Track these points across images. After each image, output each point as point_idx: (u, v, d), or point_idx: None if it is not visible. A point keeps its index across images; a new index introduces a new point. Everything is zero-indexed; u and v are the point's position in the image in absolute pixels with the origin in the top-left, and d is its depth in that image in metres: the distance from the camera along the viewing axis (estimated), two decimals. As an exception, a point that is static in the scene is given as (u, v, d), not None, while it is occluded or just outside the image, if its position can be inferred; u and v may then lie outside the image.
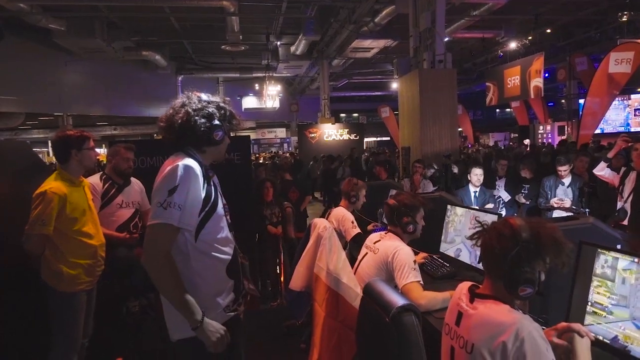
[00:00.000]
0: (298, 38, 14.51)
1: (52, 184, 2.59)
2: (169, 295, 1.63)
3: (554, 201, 4.77)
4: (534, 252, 1.34)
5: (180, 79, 17.96)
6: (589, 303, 1.65)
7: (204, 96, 1.81)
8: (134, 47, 13.93)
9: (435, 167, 7.00)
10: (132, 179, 3.40)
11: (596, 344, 1.58)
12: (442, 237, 3.08)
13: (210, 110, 1.76)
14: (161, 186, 1.63)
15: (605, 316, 1.59)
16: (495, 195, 5.22)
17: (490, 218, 2.54)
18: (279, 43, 15.62)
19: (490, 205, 4.73)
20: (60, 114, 16.22)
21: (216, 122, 1.76)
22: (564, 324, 1.42)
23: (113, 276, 3.03)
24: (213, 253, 1.73)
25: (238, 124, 1.89)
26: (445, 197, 3.46)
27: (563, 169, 4.81)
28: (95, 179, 3.22)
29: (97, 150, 3.16)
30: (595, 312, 1.63)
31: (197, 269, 1.70)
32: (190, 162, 1.68)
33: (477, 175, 4.78)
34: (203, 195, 1.69)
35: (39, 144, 24.25)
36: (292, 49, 15.76)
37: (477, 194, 4.81)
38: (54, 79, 14.13)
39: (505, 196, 5.32)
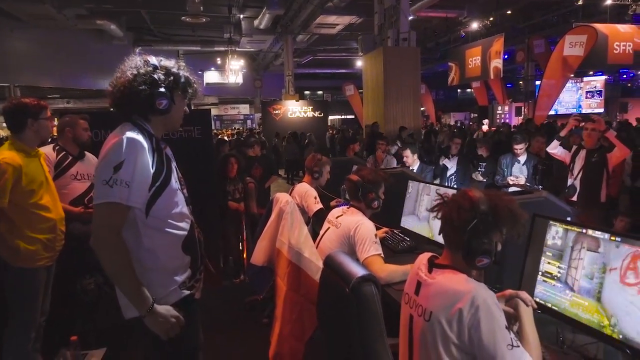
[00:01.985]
0: (262, 12, 14.19)
1: (5, 154, 2.43)
2: (117, 280, 1.54)
3: (509, 179, 4.95)
4: (492, 223, 1.38)
5: (138, 50, 17.25)
6: (540, 272, 1.72)
7: (153, 60, 1.65)
8: (87, 15, 13.21)
9: (399, 145, 7.09)
10: (86, 152, 3.26)
11: (546, 310, 1.67)
12: (403, 212, 3.13)
13: (156, 76, 1.60)
14: (105, 162, 1.51)
15: (554, 284, 1.67)
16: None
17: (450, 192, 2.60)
18: (241, 16, 15.21)
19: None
20: (6, 84, 15.29)
21: (161, 89, 1.60)
22: (510, 291, 1.48)
23: (67, 253, 2.92)
24: (166, 229, 1.63)
25: (195, 93, 1.73)
26: (406, 172, 3.51)
27: (519, 147, 4.98)
28: (48, 149, 3.05)
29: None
30: (545, 281, 1.70)
31: (149, 246, 1.60)
32: (134, 134, 1.55)
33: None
34: (153, 169, 1.57)
35: (-16, 116, 22.84)
36: (256, 22, 15.42)
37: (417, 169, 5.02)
38: None
39: (450, 165, 5.66)
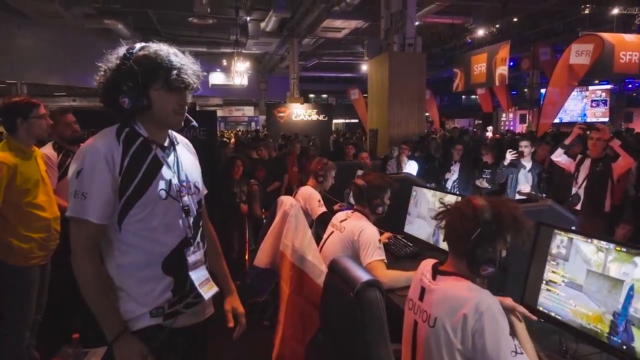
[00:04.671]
0: (268, 14, 14.21)
1: (0, 154, 2.44)
2: (87, 299, 1.36)
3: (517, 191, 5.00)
4: (496, 231, 1.38)
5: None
6: (544, 281, 1.72)
7: (136, 47, 1.42)
8: (95, 14, 13.26)
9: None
10: None
11: (549, 319, 1.67)
12: (407, 218, 3.13)
13: (120, 69, 1.38)
14: (70, 172, 1.38)
15: (558, 293, 1.66)
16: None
17: (453, 199, 2.60)
18: (248, 18, 15.25)
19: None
20: (13, 81, 15.35)
21: (124, 85, 1.36)
22: (508, 302, 1.47)
23: (66, 249, 2.91)
24: (142, 245, 1.41)
25: (179, 78, 1.40)
26: (411, 178, 3.50)
27: (524, 144, 5.03)
28: (48, 150, 3.06)
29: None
30: (549, 290, 1.70)
31: (120, 262, 1.42)
32: (102, 137, 1.40)
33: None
34: (119, 176, 1.37)
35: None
36: (262, 25, 15.45)
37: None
38: (6, 44, 13.30)
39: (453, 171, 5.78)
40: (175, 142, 1.58)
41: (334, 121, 21.95)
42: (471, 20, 15.10)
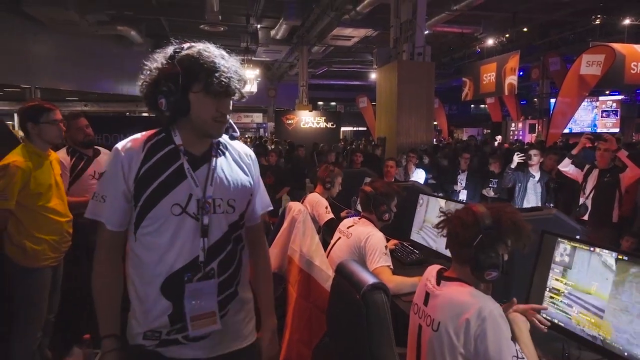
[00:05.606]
0: (279, 22, 14.37)
1: (16, 158, 2.50)
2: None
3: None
4: (497, 237, 1.42)
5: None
6: (547, 289, 1.74)
7: (169, 49, 1.33)
8: (108, 21, 13.51)
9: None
10: (102, 149, 3.33)
11: (553, 327, 1.69)
12: (413, 225, 3.16)
13: (158, 69, 1.31)
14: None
15: (561, 300, 1.69)
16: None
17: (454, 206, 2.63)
18: (259, 26, 15.43)
19: None
20: (27, 86, 15.64)
21: (163, 86, 1.27)
22: (521, 306, 1.52)
23: (81, 251, 2.96)
24: (147, 260, 1.32)
25: (222, 83, 1.27)
26: (418, 186, 3.54)
27: (533, 153, 5.04)
28: (62, 154, 3.12)
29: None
30: (552, 297, 1.73)
31: (129, 274, 1.37)
32: (130, 141, 1.35)
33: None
34: (133, 179, 1.29)
35: (5, 116, 23.33)
36: (272, 33, 15.61)
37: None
38: (23, 50, 13.58)
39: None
40: (220, 153, 1.40)
41: (342, 129, 22.02)
42: (481, 29, 15.13)
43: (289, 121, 15.73)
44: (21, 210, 2.48)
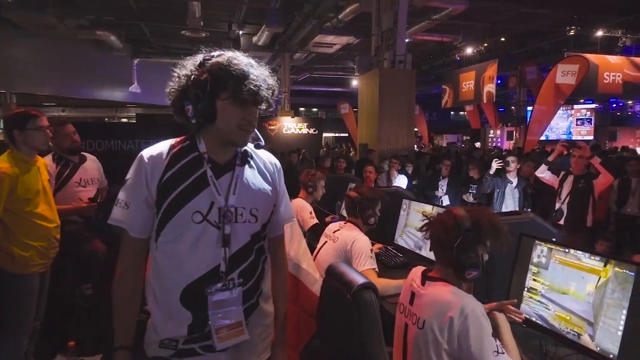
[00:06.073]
0: (261, 29, 14.41)
1: (2, 164, 2.49)
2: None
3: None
4: (476, 238, 1.50)
5: (136, 62, 17.35)
6: (526, 288, 1.83)
7: (199, 56, 1.33)
8: (88, 25, 13.34)
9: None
10: (88, 155, 3.32)
11: (530, 324, 1.77)
12: (397, 229, 3.23)
13: (188, 76, 1.30)
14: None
15: (538, 299, 1.78)
16: None
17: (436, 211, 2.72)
18: (241, 32, 15.44)
19: None
20: (3, 91, 15.30)
21: (191, 93, 1.27)
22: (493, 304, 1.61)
23: (64, 257, 2.95)
24: (167, 268, 1.31)
25: (252, 91, 1.26)
26: (401, 191, 3.62)
27: (511, 159, 5.19)
28: (48, 160, 3.10)
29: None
30: (530, 296, 1.81)
31: (150, 282, 1.35)
32: (155, 148, 1.34)
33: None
34: (156, 186, 1.29)
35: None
36: (255, 39, 15.64)
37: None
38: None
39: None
40: (244, 162, 1.39)
41: (324, 135, 22.14)
42: (460, 38, 15.45)
43: (272, 127, 15.76)
44: (9, 216, 2.47)
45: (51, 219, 2.69)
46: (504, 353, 1.35)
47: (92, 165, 3.30)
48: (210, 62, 1.29)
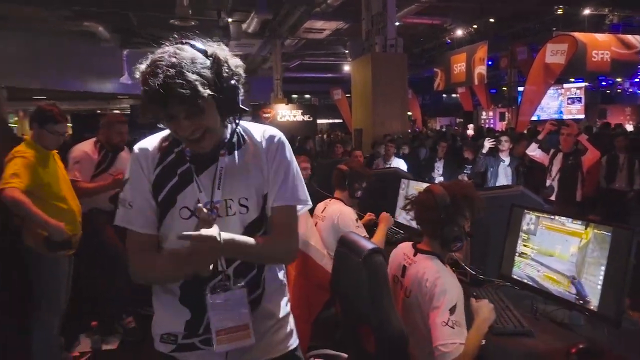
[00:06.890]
0: (250, 16, 14.37)
1: (25, 152, 2.62)
2: (166, 281, 1.30)
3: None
4: (455, 212, 1.68)
5: (125, 52, 17.23)
6: (517, 253, 2.02)
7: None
8: (73, 16, 13.22)
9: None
10: (125, 147, 3.47)
11: (522, 285, 1.96)
12: (397, 207, 3.41)
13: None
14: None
15: (528, 262, 1.96)
16: None
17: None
18: (230, 20, 15.37)
19: None
20: (-9, 85, 15.19)
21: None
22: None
23: (86, 243, 3.06)
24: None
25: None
26: (400, 171, 3.79)
27: (504, 139, 5.37)
28: (89, 147, 3.27)
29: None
30: (521, 260, 2.00)
31: None
32: (148, 141, 1.31)
33: None
34: (152, 181, 1.26)
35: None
36: (244, 26, 15.57)
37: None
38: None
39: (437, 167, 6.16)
40: (231, 149, 1.30)
41: (318, 121, 22.21)
42: (450, 20, 15.51)
43: (266, 115, 15.82)
44: (36, 202, 2.57)
45: (74, 203, 2.83)
46: (453, 327, 1.44)
47: (126, 156, 3.43)
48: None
